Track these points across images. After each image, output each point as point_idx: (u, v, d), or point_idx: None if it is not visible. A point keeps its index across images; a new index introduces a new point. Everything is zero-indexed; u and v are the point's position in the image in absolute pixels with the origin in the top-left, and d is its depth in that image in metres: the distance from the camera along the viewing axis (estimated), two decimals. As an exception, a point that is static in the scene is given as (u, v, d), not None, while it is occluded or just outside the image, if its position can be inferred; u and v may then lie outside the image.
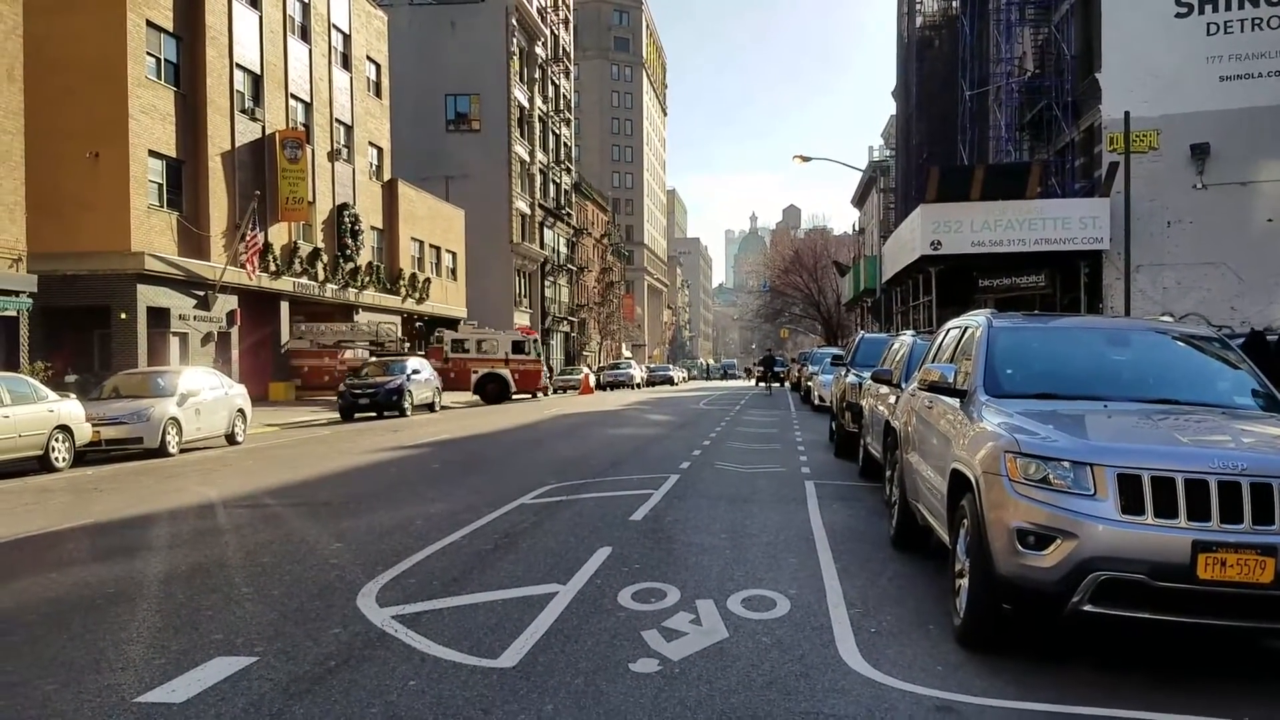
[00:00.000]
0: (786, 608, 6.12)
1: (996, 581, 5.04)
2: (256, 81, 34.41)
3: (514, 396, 38.85)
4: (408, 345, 42.08)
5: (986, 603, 5.17)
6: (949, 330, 8.12)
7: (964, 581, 5.44)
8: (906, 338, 12.53)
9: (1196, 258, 23.98)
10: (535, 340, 42.04)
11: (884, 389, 11.03)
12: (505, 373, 38.42)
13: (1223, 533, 4.53)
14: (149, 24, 28.66)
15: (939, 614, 5.97)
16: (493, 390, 38.05)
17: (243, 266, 31.94)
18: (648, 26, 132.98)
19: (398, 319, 45.36)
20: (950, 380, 6.59)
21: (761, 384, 46.20)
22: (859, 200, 74.03)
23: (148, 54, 28.67)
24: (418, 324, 48.43)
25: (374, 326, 41.11)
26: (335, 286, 39.13)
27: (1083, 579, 4.66)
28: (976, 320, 7.21)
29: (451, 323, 49.23)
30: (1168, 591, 4.56)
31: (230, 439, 19.74)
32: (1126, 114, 22.02)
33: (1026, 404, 5.84)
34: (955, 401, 6.44)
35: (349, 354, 37.83)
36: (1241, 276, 23.64)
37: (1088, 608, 4.69)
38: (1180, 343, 7.01)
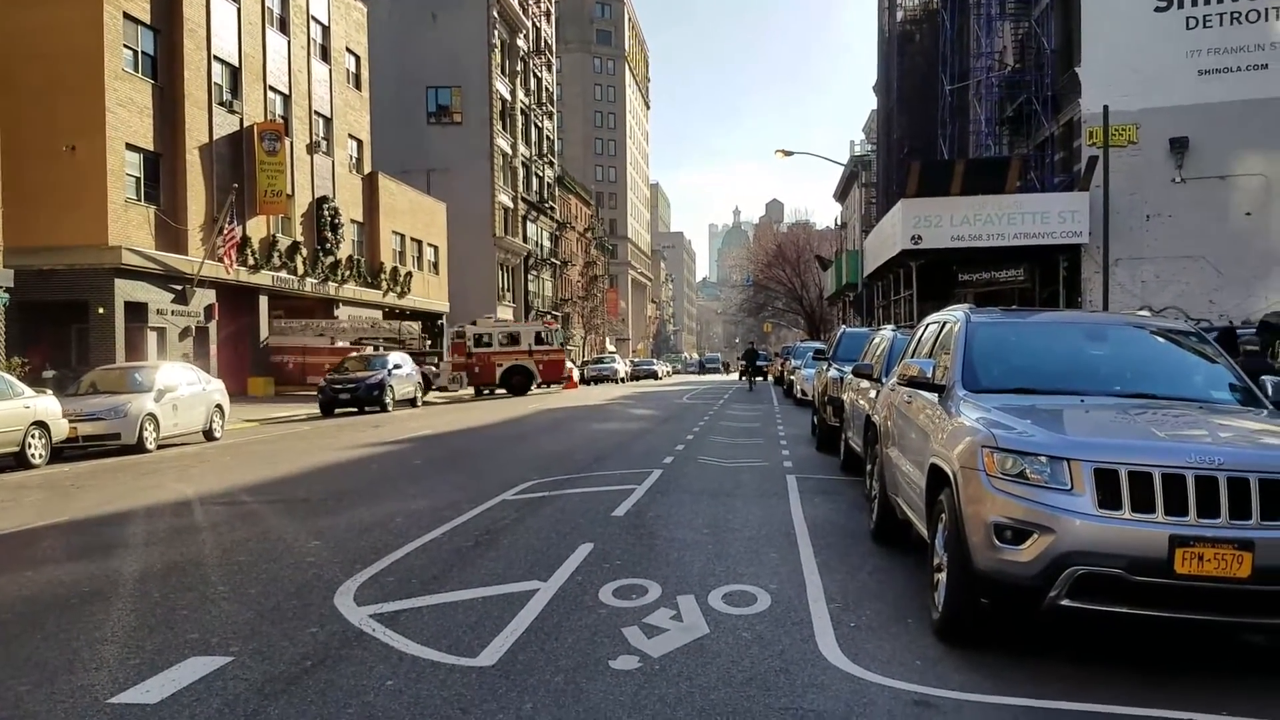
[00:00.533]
0: (767, 603, 6.12)
1: (974, 576, 5.05)
2: (234, 74, 34.12)
3: (493, 391, 38.80)
4: (429, 343, 41.89)
5: (964, 597, 5.18)
6: (928, 325, 8.14)
7: (942, 576, 5.46)
8: (887, 332, 12.56)
9: (1175, 251, 24.15)
10: (557, 330, 42.16)
11: (865, 383, 11.06)
12: (530, 364, 38.58)
13: (1200, 527, 4.55)
14: (126, 16, 28.36)
15: (918, 608, 5.98)
16: (518, 382, 38.19)
17: (220, 260, 31.69)
18: (630, 19, 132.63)
19: (378, 314, 45.12)
20: (929, 375, 6.60)
21: (744, 378, 44.30)
22: (841, 194, 74.20)
23: (125, 46, 28.37)
24: (439, 322, 48.43)
25: (396, 325, 41.10)
26: (315, 280, 38.89)
27: (1060, 573, 4.67)
28: (955, 315, 7.24)
29: (434, 317, 49.10)
30: (1145, 586, 4.57)
31: (208, 435, 19.60)
32: (1105, 108, 22.16)
33: (1004, 399, 5.86)
34: (934, 396, 6.46)
35: (370, 351, 37.85)
36: (1220, 270, 23.83)
37: (1065, 602, 4.70)
38: (1157, 337, 7.04)
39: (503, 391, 38.79)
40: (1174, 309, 23.10)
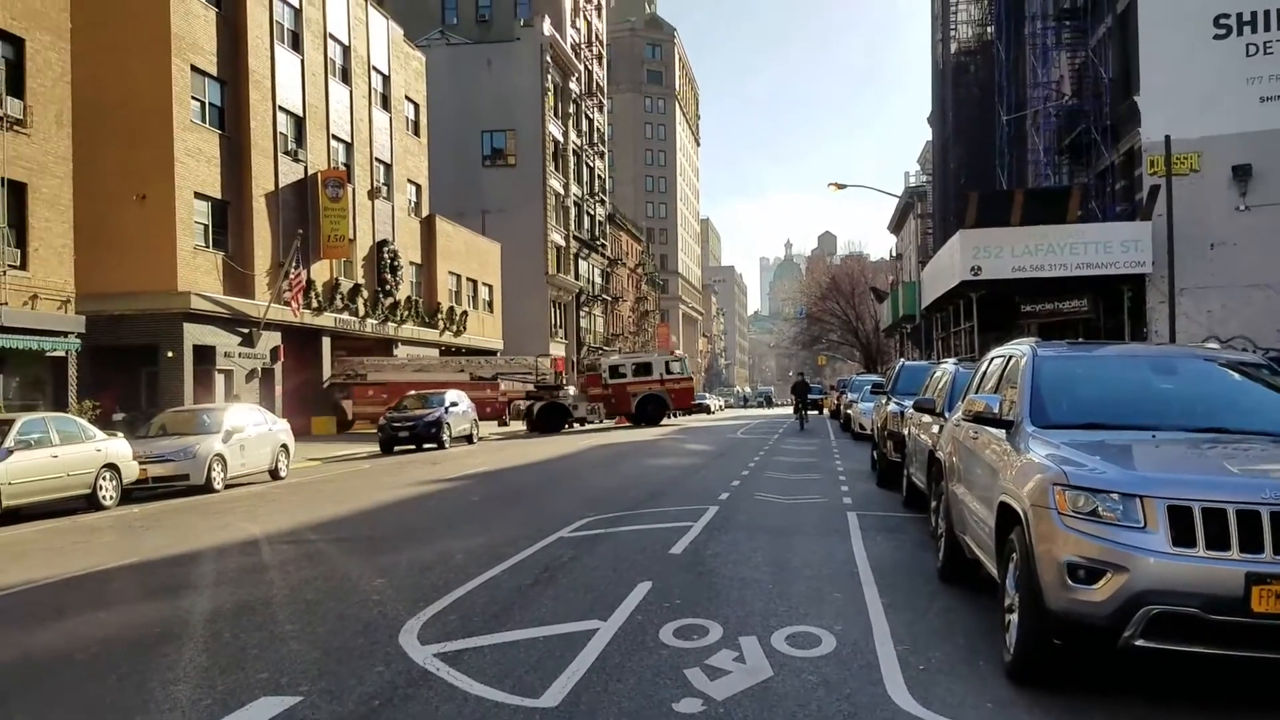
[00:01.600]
0: (832, 644, 6.03)
1: (1047, 616, 4.94)
2: (299, 123, 35.11)
3: (634, 420, 39.68)
4: (562, 377, 43.14)
5: (1037, 638, 5.07)
6: (992, 359, 8.04)
7: (1013, 616, 5.35)
8: (949, 366, 12.40)
9: (1241, 280, 23.56)
10: (684, 359, 43.49)
11: (927, 418, 10.91)
12: (663, 393, 39.43)
13: (1276, 564, 4.42)
14: (194, 69, 29.39)
15: (989, 649, 5.85)
16: (652, 411, 39.15)
17: (287, 304, 32.40)
18: (680, 59, 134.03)
19: (435, 353, 45.75)
20: (995, 411, 6.50)
21: (796, 415, 37.88)
22: (896, 226, 73.78)
23: (193, 98, 29.38)
24: (580, 356, 49.78)
25: (532, 360, 42.82)
26: (375, 321, 39.63)
27: (1135, 613, 4.56)
28: (1020, 350, 7.14)
29: (489, 354, 49.68)
30: (1222, 625, 4.45)
31: (274, 474, 19.97)
32: (1167, 138, 21.82)
33: (1073, 435, 5.75)
34: (1001, 432, 6.36)
35: (505, 386, 38.87)
36: (1289, 298, 23.18)
37: (1140, 642, 4.59)
38: (1227, 369, 6.88)
39: (626, 423, 39.57)
40: (1242, 338, 22.51)
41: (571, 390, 40.59)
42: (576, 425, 38.60)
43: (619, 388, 39.11)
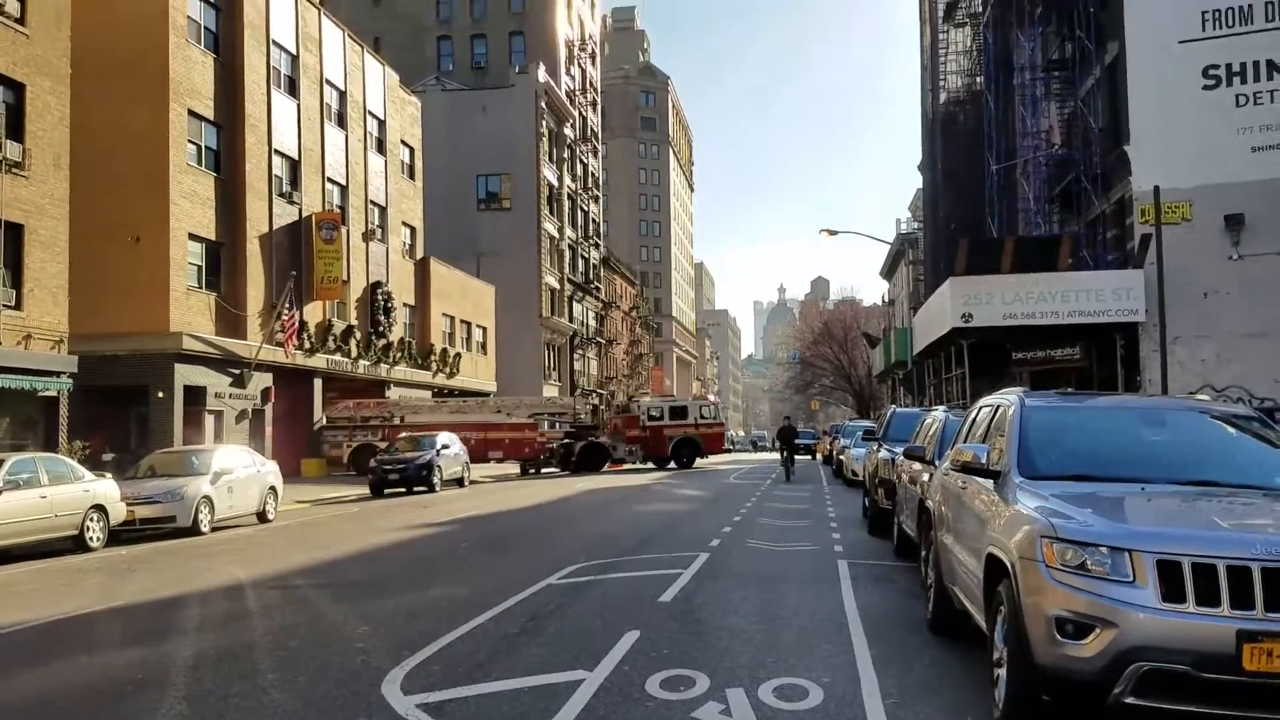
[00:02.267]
0: (819, 697, 5.96)
1: (1035, 671, 4.90)
2: (294, 166, 35.34)
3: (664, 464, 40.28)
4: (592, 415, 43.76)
5: (1026, 693, 5.02)
6: (981, 408, 8.04)
7: (1002, 671, 5.31)
8: (939, 413, 12.40)
9: (1236, 329, 23.61)
10: (716, 404, 45.35)
11: (917, 465, 10.89)
12: (696, 436, 40.58)
13: (1268, 622, 4.38)
14: (191, 113, 29.62)
15: (978, 703, 5.79)
16: (687, 454, 40.30)
17: (280, 345, 32.37)
18: (674, 106, 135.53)
19: (428, 394, 45.63)
20: (983, 461, 6.49)
21: (785, 461, 32.63)
22: (888, 272, 74.21)
23: (190, 142, 29.58)
24: (624, 399, 50.07)
25: (569, 401, 44.11)
26: (368, 363, 39.59)
27: (1124, 669, 4.51)
28: (1008, 399, 7.14)
29: (481, 396, 49.62)
30: (1213, 683, 4.40)
31: (261, 517, 19.80)
32: (1156, 189, 21.99)
33: (1062, 486, 5.73)
34: (989, 483, 6.34)
35: (545, 427, 39.99)
36: (1283, 348, 23.23)
37: (1130, 699, 4.53)
38: (1219, 422, 6.88)
39: (647, 464, 40.03)
40: (1237, 388, 22.56)
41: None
42: (612, 466, 39.49)
43: (655, 430, 40.15)
